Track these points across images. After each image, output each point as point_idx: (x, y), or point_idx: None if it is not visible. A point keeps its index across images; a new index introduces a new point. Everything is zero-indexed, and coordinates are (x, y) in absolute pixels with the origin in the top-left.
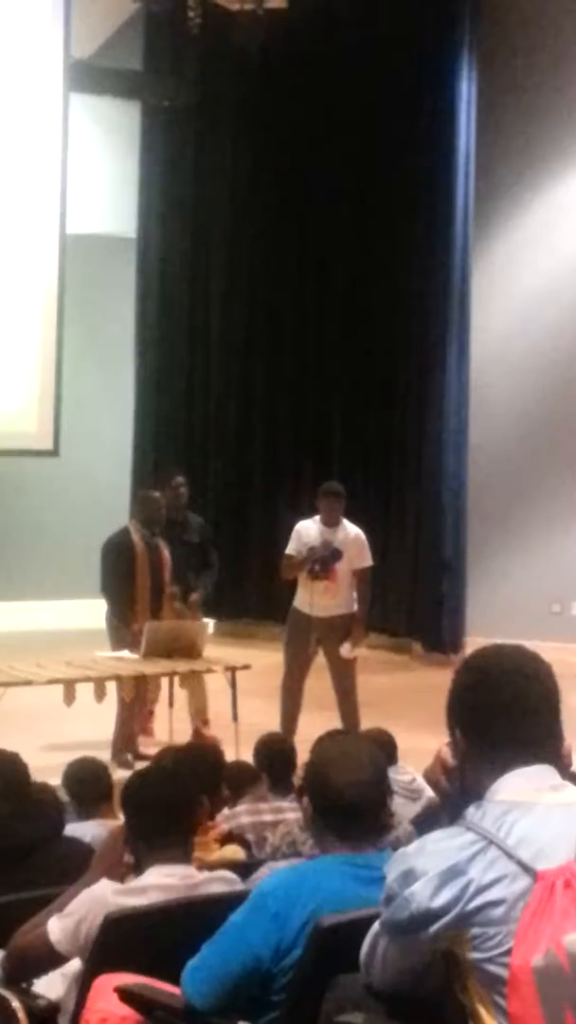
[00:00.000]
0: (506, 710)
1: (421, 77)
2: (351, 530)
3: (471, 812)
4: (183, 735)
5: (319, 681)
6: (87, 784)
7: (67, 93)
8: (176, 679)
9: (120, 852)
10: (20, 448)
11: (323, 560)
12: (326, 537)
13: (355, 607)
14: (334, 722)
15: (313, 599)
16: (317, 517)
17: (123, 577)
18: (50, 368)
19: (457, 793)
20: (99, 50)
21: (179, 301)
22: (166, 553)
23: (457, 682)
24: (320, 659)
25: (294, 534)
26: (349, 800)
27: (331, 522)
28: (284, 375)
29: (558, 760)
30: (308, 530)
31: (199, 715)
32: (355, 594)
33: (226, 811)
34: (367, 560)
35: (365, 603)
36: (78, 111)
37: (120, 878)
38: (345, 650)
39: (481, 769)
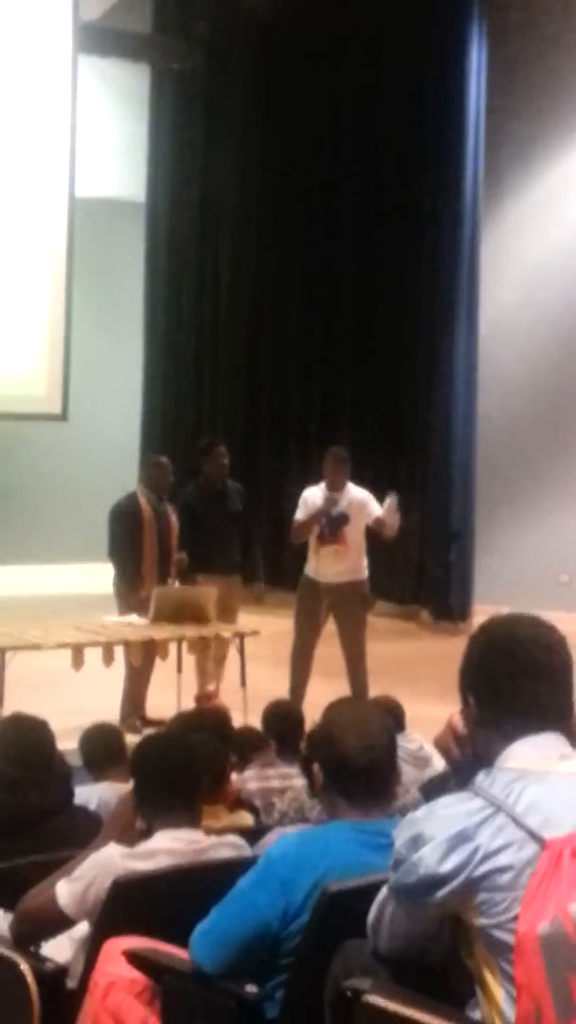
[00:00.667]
0: (520, 679)
1: (431, 44)
2: (357, 494)
3: (480, 779)
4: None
5: (328, 648)
6: (99, 748)
7: (76, 55)
8: (184, 644)
9: (131, 817)
10: (29, 412)
11: (331, 522)
12: (326, 500)
13: (365, 574)
14: (343, 689)
15: (321, 565)
16: (323, 484)
17: (130, 543)
18: (59, 332)
19: (467, 760)
20: (108, 12)
21: (188, 264)
22: (174, 519)
23: (472, 649)
24: (330, 626)
25: (301, 501)
26: (361, 763)
27: (336, 487)
28: (292, 342)
29: (568, 729)
30: (314, 497)
31: (204, 682)
32: (365, 561)
33: (234, 776)
34: (375, 510)
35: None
36: (87, 74)
37: (131, 843)
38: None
39: (492, 736)
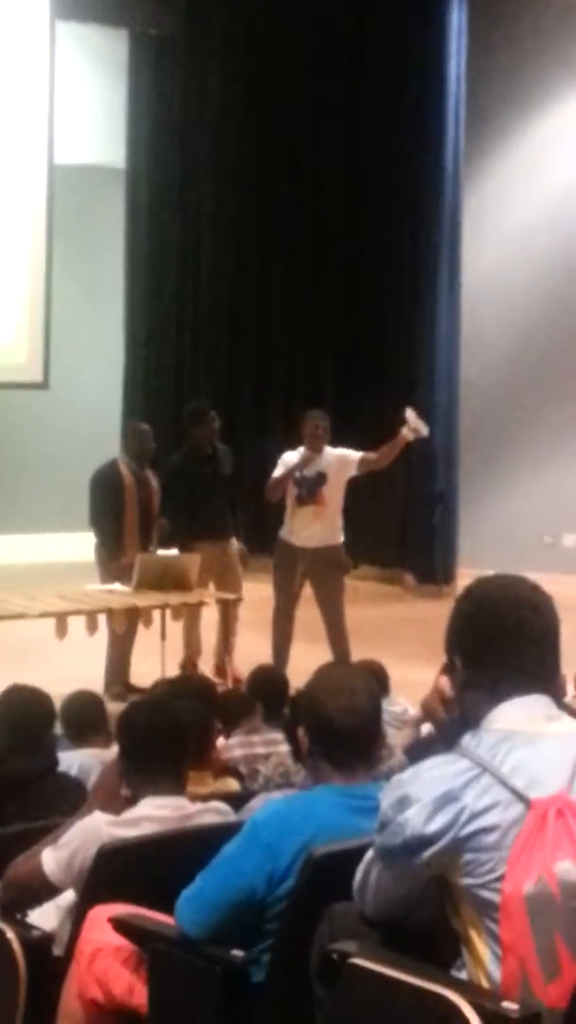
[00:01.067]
0: (507, 640)
1: (412, 6)
2: (335, 453)
3: (467, 740)
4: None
5: (310, 612)
6: (80, 715)
7: (53, 21)
8: (168, 612)
9: (116, 785)
10: (10, 381)
11: (308, 482)
12: (303, 456)
13: (341, 538)
14: (327, 654)
15: (297, 528)
16: (301, 448)
17: (111, 510)
18: (39, 300)
19: (454, 723)
20: None
21: (169, 230)
22: (155, 486)
23: (458, 610)
24: (310, 590)
25: (280, 463)
26: (345, 726)
27: (315, 448)
28: (275, 306)
29: (554, 691)
30: (293, 459)
31: (192, 656)
32: (341, 523)
33: (220, 742)
34: (355, 454)
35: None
36: (65, 39)
37: (117, 811)
38: (409, 414)
39: (479, 698)
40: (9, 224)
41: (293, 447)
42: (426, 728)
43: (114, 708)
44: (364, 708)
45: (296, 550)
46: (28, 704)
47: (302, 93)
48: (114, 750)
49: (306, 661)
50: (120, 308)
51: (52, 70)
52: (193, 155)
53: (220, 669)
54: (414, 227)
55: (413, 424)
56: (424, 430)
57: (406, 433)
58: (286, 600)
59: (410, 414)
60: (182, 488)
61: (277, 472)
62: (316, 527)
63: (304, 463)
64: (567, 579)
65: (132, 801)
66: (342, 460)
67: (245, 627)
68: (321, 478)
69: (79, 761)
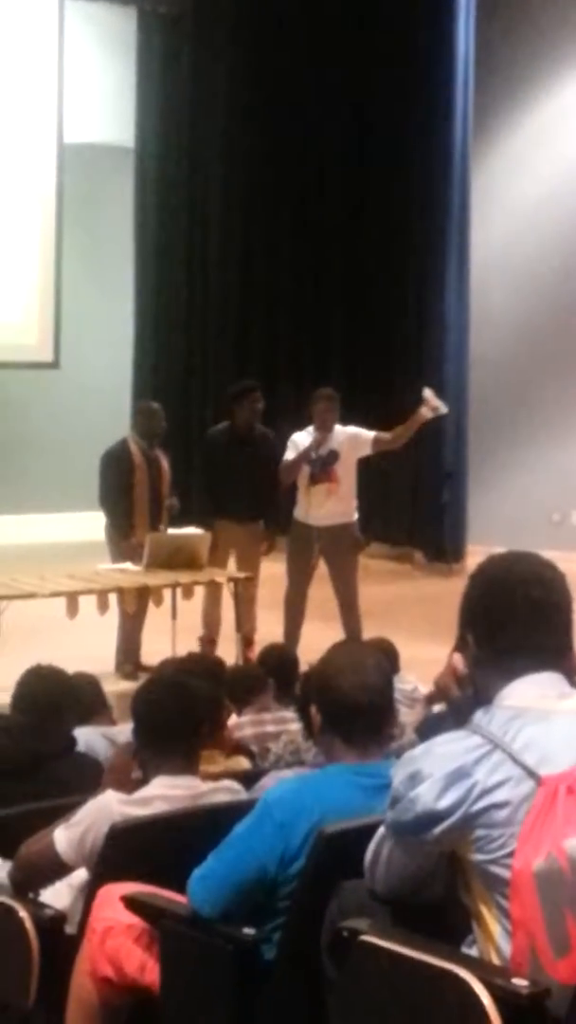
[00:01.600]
0: (520, 617)
1: None
2: (346, 431)
3: (479, 716)
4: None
5: (323, 592)
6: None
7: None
8: (179, 591)
9: (129, 766)
10: (20, 360)
11: (321, 461)
12: (316, 437)
13: (356, 516)
14: (338, 633)
15: (312, 507)
16: (310, 428)
17: (121, 489)
18: (49, 280)
19: (467, 700)
20: None
21: (179, 211)
22: (165, 465)
23: (472, 587)
24: (323, 569)
25: (290, 444)
26: (356, 702)
27: (325, 426)
28: (284, 286)
29: (567, 668)
30: (303, 439)
31: (212, 633)
32: (355, 501)
33: (232, 720)
34: (369, 434)
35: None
36: (74, 18)
37: (129, 791)
38: (427, 395)
39: (491, 675)
40: (19, 203)
41: (303, 425)
42: (437, 706)
43: (126, 687)
44: (376, 685)
45: (311, 529)
46: (47, 684)
47: (311, 72)
48: (118, 727)
49: (318, 639)
50: (130, 288)
51: (61, 49)
52: (202, 134)
53: (248, 642)
54: (422, 205)
55: (433, 403)
56: (443, 408)
57: (424, 412)
58: (300, 579)
59: (428, 393)
60: (214, 465)
61: (289, 454)
62: (330, 505)
63: (317, 444)
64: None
65: (144, 780)
66: (354, 438)
67: (258, 605)
68: (333, 456)
69: (84, 739)
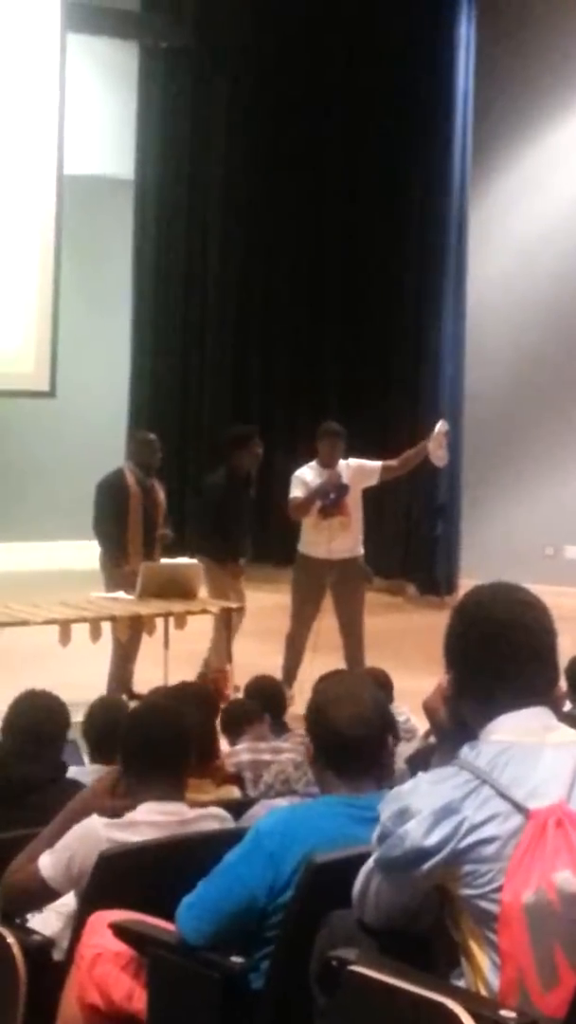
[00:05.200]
0: (501, 663)
1: (420, 19)
2: (350, 464)
3: (465, 752)
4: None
5: (317, 625)
6: (105, 725)
7: (64, 33)
8: (172, 620)
9: (106, 800)
10: (17, 389)
11: (333, 493)
12: (329, 475)
13: (362, 549)
14: (330, 663)
15: (322, 541)
16: (314, 463)
17: (116, 518)
18: (47, 309)
19: (455, 723)
20: None
21: (176, 242)
22: (160, 495)
23: (452, 628)
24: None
25: (295, 480)
26: (349, 735)
27: (331, 463)
28: (280, 320)
29: (552, 702)
30: (306, 475)
31: (221, 665)
32: (362, 533)
33: (226, 748)
34: (375, 464)
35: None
36: (76, 51)
37: (112, 814)
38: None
39: (477, 710)
40: (18, 233)
41: (299, 454)
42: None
43: None
44: (370, 717)
45: (322, 563)
46: (40, 710)
47: (310, 107)
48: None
49: (308, 670)
50: (127, 318)
51: (63, 81)
52: (201, 167)
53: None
54: (420, 241)
55: (440, 443)
56: (441, 461)
57: (432, 447)
58: (308, 614)
59: (443, 428)
60: (220, 511)
61: (296, 491)
62: (343, 538)
63: (333, 482)
64: (568, 591)
65: (131, 806)
66: (360, 470)
67: (246, 636)
68: (343, 489)
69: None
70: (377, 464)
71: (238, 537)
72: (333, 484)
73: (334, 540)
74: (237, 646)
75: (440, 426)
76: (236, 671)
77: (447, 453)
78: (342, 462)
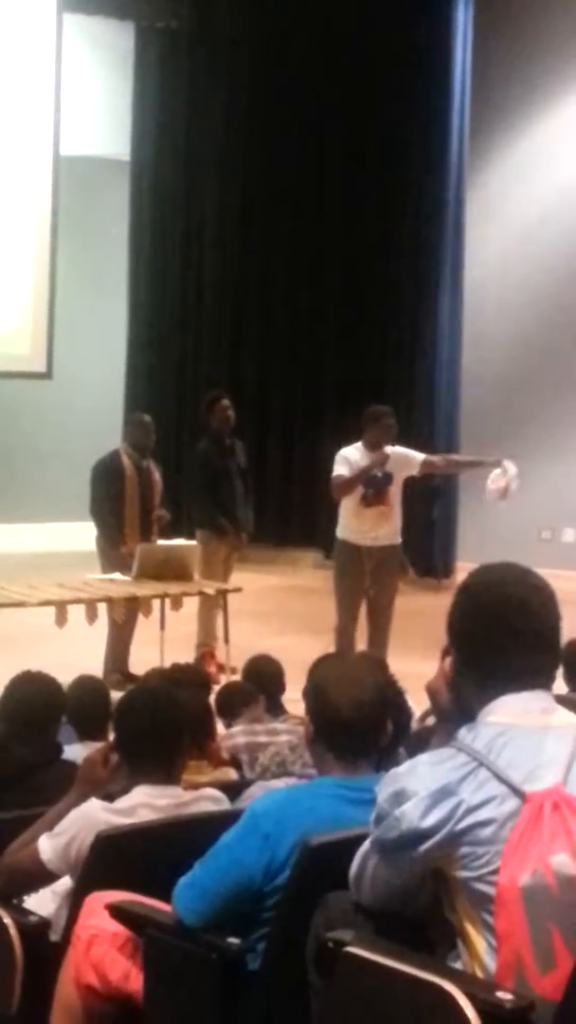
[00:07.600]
0: (503, 645)
1: (417, 3)
2: (396, 451)
3: (463, 734)
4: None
5: (319, 605)
6: (86, 705)
7: (60, 14)
8: (168, 602)
9: (102, 771)
10: (13, 371)
11: (376, 482)
12: (378, 454)
13: (400, 539)
14: (329, 646)
15: (365, 529)
16: (358, 444)
17: (112, 500)
18: (43, 290)
19: (456, 707)
20: None
21: (173, 223)
22: (156, 476)
23: (456, 608)
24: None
25: (339, 458)
26: (347, 717)
27: (381, 447)
28: (278, 302)
29: (551, 684)
30: (353, 455)
31: (209, 642)
32: (400, 525)
33: (221, 731)
34: (418, 456)
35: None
36: (72, 32)
37: (108, 797)
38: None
39: (475, 690)
40: (14, 214)
41: (296, 439)
42: (430, 720)
43: (113, 697)
44: (369, 699)
45: (363, 550)
46: (35, 692)
47: (307, 88)
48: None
49: (309, 653)
50: (123, 299)
51: (59, 62)
52: (197, 148)
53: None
54: (418, 224)
55: (506, 479)
56: (492, 496)
57: (494, 478)
58: (354, 603)
59: (512, 471)
60: (205, 474)
61: (341, 469)
62: (383, 527)
63: (380, 462)
64: (566, 574)
65: (126, 788)
66: (404, 459)
67: (244, 617)
68: (387, 479)
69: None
70: (419, 456)
71: (231, 505)
72: (380, 463)
73: (374, 529)
74: (234, 627)
75: (511, 468)
76: (233, 652)
77: (501, 498)
78: (388, 448)
